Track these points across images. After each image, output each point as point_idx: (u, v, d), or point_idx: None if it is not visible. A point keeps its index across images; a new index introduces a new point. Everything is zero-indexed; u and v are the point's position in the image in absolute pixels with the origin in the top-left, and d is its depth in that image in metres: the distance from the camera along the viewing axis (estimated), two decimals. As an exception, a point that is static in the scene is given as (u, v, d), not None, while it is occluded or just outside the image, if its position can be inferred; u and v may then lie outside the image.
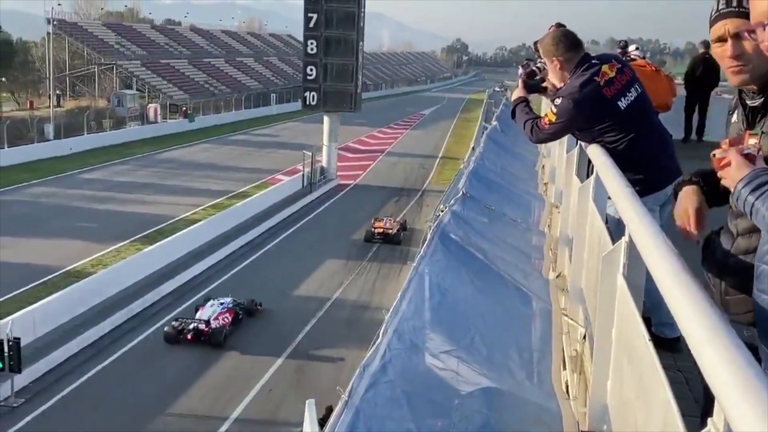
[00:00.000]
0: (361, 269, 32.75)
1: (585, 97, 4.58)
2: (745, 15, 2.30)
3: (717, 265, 2.56)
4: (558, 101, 4.68)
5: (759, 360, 1.79)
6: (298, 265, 32.91)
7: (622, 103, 4.59)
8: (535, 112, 5.05)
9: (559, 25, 5.58)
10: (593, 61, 4.71)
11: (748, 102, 2.46)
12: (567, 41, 4.80)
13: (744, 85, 2.44)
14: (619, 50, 10.09)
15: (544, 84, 5.33)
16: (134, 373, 22.24)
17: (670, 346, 3.81)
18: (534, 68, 5.98)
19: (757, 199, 2.00)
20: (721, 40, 2.41)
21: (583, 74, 4.66)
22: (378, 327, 3.68)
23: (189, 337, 23.75)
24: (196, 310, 25.45)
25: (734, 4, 2.37)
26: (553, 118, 4.69)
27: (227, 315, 24.88)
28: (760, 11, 2.12)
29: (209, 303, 25.50)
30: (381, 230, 36.81)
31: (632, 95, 4.62)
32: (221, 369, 22.87)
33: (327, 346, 24.09)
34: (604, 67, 4.64)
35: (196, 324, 24.02)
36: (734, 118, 2.61)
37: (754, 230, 2.36)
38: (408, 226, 38.34)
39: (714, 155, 2.25)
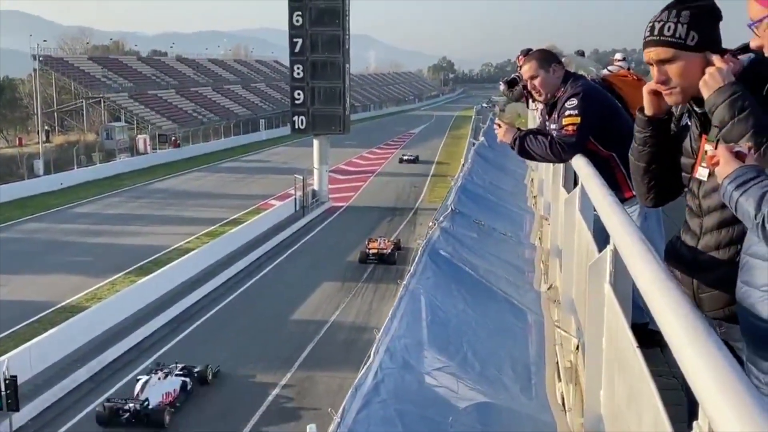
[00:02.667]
0: (357, 291, 32.69)
1: (594, 88, 4.70)
2: (666, 43, 2.45)
3: (686, 264, 2.60)
4: (569, 103, 4.62)
5: (736, 356, 1.83)
6: (293, 289, 32.83)
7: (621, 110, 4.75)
8: (543, 134, 4.80)
9: (527, 52, 5.68)
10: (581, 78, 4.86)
11: (697, 109, 2.53)
12: (556, 57, 4.89)
13: (677, 104, 2.60)
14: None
15: (520, 86, 5.36)
16: None
17: None
18: (516, 76, 6.06)
19: (741, 195, 2.06)
20: (651, 65, 2.55)
21: (578, 79, 4.76)
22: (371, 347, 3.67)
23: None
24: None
25: (656, 32, 2.47)
26: (578, 120, 4.56)
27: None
28: (753, 12, 2.24)
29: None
30: (375, 251, 36.64)
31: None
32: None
33: (326, 367, 23.98)
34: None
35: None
36: (684, 121, 2.73)
37: (723, 226, 2.46)
38: (402, 245, 38.30)
39: (706, 152, 2.32)
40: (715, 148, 2.29)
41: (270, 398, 22.48)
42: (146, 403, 20.91)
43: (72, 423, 21.28)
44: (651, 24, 2.51)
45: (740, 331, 2.29)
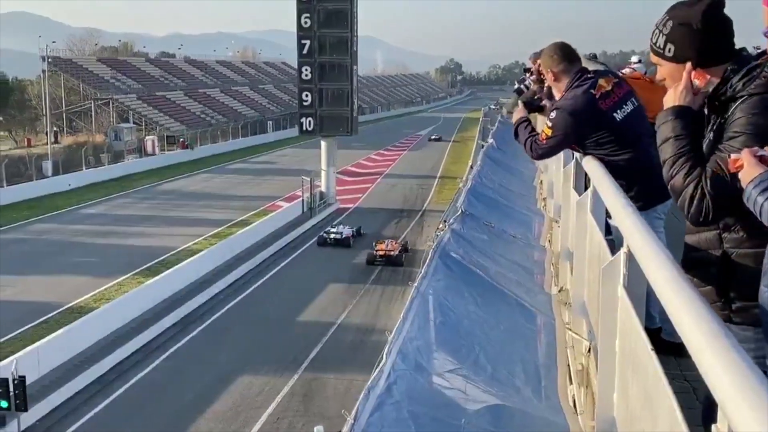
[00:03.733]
0: (363, 292, 32.71)
1: (580, 109, 4.56)
2: (652, 49, 2.64)
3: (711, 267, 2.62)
4: (553, 114, 4.68)
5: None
6: (300, 290, 32.86)
7: (618, 115, 4.55)
8: (535, 130, 5.01)
9: (537, 55, 5.63)
10: (589, 75, 4.71)
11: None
12: (560, 53, 4.80)
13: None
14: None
15: (542, 103, 5.32)
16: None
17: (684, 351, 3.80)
18: (522, 87, 6.00)
19: (766, 199, 2.05)
20: None
21: (579, 86, 4.65)
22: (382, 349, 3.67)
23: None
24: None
25: (650, 38, 2.65)
26: (549, 132, 4.65)
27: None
28: None
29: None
30: (383, 252, 37.09)
31: (628, 108, 4.59)
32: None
33: (334, 369, 23.99)
34: (601, 81, 4.62)
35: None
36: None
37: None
38: (410, 246, 38.45)
39: (730, 156, 2.34)
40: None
41: (278, 399, 22.50)
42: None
43: (80, 423, 21.35)
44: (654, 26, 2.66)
45: (763, 332, 2.29)
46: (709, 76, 2.54)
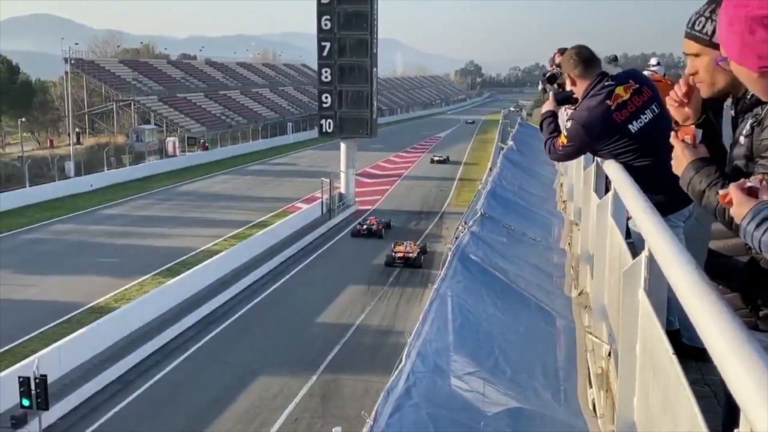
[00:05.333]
0: (382, 294, 32.72)
1: (594, 122, 4.51)
2: (693, 37, 2.50)
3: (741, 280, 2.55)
4: (569, 124, 4.68)
5: None
6: (319, 292, 32.93)
7: (634, 127, 4.46)
8: (558, 129, 5.00)
9: (563, 51, 5.60)
10: (608, 82, 4.62)
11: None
12: (577, 58, 4.74)
13: (707, 96, 2.61)
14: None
15: (574, 96, 5.23)
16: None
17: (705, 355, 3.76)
18: (555, 73, 5.98)
19: (763, 234, 1.96)
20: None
21: (595, 96, 4.58)
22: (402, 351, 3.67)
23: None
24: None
25: (689, 25, 2.52)
26: (565, 141, 4.69)
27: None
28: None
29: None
30: (401, 254, 37.31)
31: (647, 117, 4.48)
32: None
33: (352, 370, 24.02)
34: (618, 89, 4.52)
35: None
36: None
37: None
38: (428, 249, 38.53)
39: (718, 193, 2.27)
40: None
41: (296, 400, 22.56)
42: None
43: (100, 422, 21.50)
44: (692, 16, 2.53)
45: None
46: (693, 131, 2.55)
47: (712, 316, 1.75)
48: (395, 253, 37.51)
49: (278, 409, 21.98)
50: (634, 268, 2.91)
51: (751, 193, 2.06)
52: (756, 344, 1.56)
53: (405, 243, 38.67)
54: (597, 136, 4.53)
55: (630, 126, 4.47)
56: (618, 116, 4.48)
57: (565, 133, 4.70)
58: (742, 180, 2.15)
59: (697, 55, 2.48)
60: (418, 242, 39.70)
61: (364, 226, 44.72)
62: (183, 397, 22.90)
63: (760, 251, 2.03)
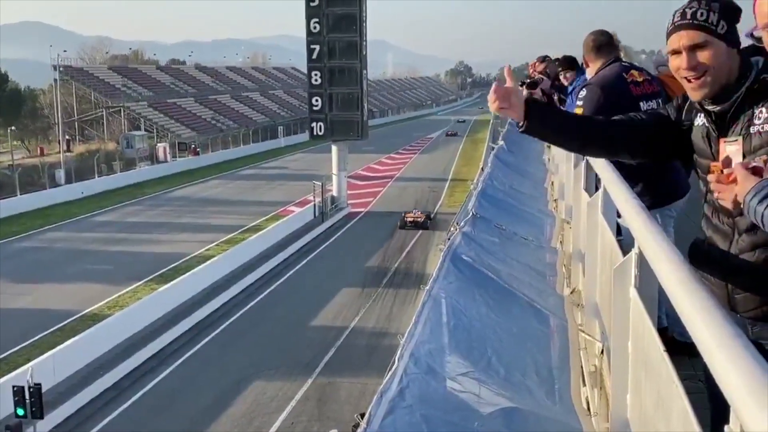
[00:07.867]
0: (376, 296, 32.73)
1: (612, 86, 4.59)
2: (698, 27, 2.35)
3: (717, 266, 2.56)
4: (583, 92, 4.67)
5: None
6: (313, 295, 32.90)
7: (644, 106, 4.53)
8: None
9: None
10: (624, 63, 4.78)
11: (709, 107, 2.46)
12: (592, 43, 4.92)
13: (706, 97, 2.44)
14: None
15: (536, 79, 5.31)
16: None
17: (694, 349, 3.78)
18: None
19: (765, 209, 2.01)
20: (677, 52, 2.43)
21: (612, 70, 4.70)
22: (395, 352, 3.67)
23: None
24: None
25: (688, 16, 2.38)
26: (580, 111, 4.63)
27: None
28: (765, 12, 2.18)
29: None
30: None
31: (653, 105, 4.58)
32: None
33: (347, 373, 23.99)
34: (633, 71, 4.67)
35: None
36: (698, 121, 2.60)
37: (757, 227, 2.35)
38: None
39: (709, 179, 2.28)
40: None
41: (292, 404, 22.52)
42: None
43: (95, 430, 21.43)
44: (681, 10, 2.42)
45: None
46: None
47: (702, 313, 1.75)
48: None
49: (274, 413, 21.94)
50: (625, 265, 2.91)
51: (756, 172, 2.11)
52: (745, 340, 1.56)
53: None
54: (615, 101, 4.52)
55: (641, 103, 4.53)
56: (633, 89, 4.56)
57: (579, 103, 4.67)
58: (746, 160, 2.19)
59: (701, 46, 2.37)
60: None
61: (411, 219, 47.13)
62: (179, 403, 22.84)
63: (763, 226, 2.06)
